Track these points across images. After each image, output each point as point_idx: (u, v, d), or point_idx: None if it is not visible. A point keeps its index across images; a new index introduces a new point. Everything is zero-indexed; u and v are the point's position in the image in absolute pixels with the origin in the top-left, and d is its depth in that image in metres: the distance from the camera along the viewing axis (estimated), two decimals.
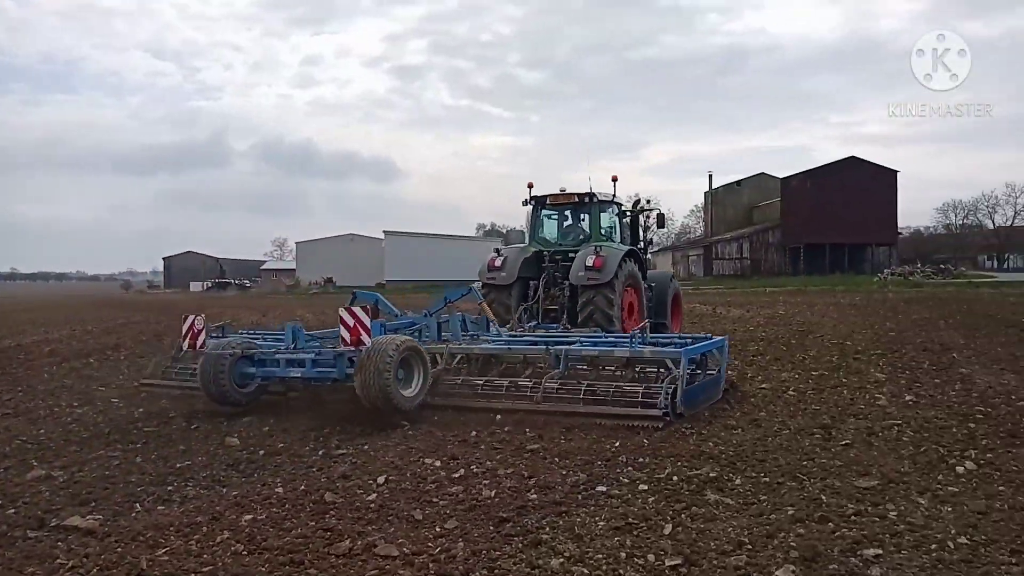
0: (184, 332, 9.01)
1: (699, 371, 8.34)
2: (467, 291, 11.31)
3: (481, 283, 12.95)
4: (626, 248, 13.48)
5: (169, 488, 5.79)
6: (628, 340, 8.47)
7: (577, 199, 13.80)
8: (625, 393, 7.65)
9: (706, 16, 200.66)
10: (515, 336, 10.30)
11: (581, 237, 13.85)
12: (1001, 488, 5.16)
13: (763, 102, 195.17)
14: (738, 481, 5.49)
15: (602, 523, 4.67)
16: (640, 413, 7.37)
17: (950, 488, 5.18)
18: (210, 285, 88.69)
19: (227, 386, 8.41)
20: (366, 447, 6.90)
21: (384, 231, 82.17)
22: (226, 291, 77.28)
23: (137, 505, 5.38)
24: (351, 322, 7.78)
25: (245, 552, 4.37)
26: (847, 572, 3.87)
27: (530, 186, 14.19)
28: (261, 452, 6.85)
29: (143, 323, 24.63)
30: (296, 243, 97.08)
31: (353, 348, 7.76)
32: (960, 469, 5.61)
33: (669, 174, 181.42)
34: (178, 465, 6.46)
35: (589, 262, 12.19)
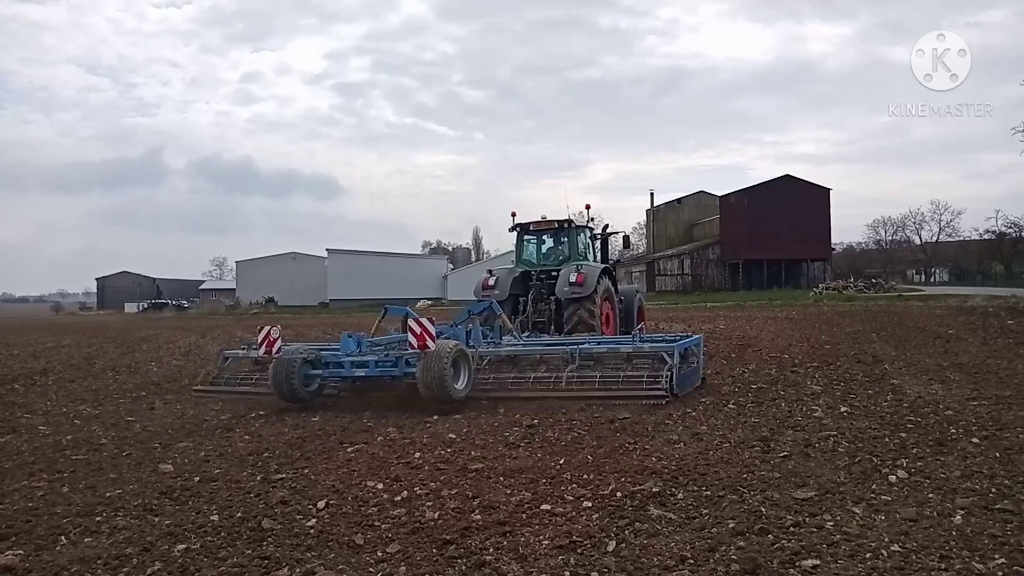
0: (260, 340, 10.43)
1: (683, 362, 9.96)
2: (488, 304, 12.92)
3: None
4: (602, 266, 15.31)
5: (97, 519, 5.53)
6: (631, 339, 10.77)
7: (557, 225, 15.64)
8: (631, 380, 9.51)
9: (645, 38, 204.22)
10: (527, 341, 11.90)
11: (561, 258, 15.49)
12: (931, 496, 5.32)
13: (700, 122, 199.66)
14: (680, 495, 5.54)
15: (546, 542, 4.65)
16: (647, 393, 9.18)
17: (883, 497, 5.32)
18: (146, 306, 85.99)
19: (296, 385, 9.91)
20: (306, 471, 6.74)
21: (327, 249, 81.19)
22: (163, 312, 74.98)
23: (63, 538, 5.13)
24: (418, 330, 9.30)
25: None
26: None
27: (513, 215, 15.95)
28: (196, 479, 6.62)
29: (73, 346, 23.70)
30: (236, 262, 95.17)
31: (421, 350, 9.22)
32: (892, 478, 5.77)
33: (611, 192, 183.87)
34: (108, 494, 6.19)
35: (572, 278, 13.73)
